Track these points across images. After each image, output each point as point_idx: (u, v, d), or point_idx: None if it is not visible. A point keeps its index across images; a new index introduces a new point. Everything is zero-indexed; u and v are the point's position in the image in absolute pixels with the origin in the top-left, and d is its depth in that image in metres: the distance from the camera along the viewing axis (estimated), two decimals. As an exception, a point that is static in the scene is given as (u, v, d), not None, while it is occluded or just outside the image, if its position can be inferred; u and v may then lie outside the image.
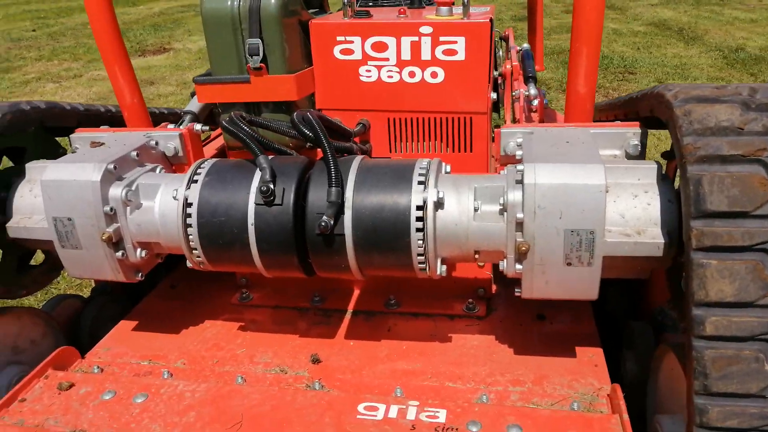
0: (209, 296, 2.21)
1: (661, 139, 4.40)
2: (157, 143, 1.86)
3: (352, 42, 1.86)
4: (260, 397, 1.60)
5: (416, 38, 1.82)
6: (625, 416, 1.44)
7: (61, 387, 1.66)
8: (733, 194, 1.20)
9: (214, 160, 1.70)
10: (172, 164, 1.93)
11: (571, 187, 1.37)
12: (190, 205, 1.59)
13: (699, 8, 10.09)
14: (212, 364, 1.85)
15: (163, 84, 6.88)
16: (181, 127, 1.97)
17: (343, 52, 1.88)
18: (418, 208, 1.49)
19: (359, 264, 1.57)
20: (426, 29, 1.80)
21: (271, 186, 1.53)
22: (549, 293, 1.50)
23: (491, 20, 1.80)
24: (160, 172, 1.78)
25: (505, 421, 1.47)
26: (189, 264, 1.70)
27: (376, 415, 1.52)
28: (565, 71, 6.59)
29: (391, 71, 1.87)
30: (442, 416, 1.50)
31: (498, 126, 1.88)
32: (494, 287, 2.11)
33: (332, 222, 1.50)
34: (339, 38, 1.87)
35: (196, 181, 1.61)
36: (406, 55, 1.84)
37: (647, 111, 1.55)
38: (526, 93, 2.15)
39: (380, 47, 1.85)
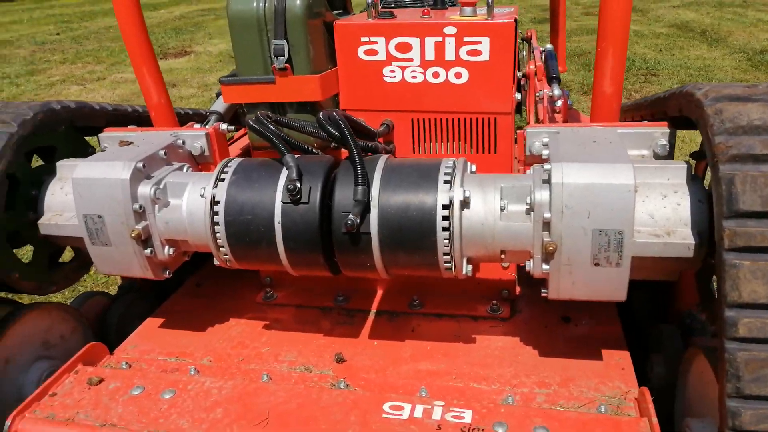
0: (234, 295, 2.23)
1: (684, 141, 4.35)
2: (183, 142, 1.88)
3: (376, 43, 1.87)
4: (286, 395, 1.61)
5: (440, 39, 1.82)
6: (654, 420, 1.42)
7: (90, 382, 1.69)
8: (766, 194, 1.18)
9: (241, 158, 1.72)
10: (198, 163, 1.95)
11: (599, 187, 1.36)
12: (217, 203, 1.61)
13: (722, 10, 9.97)
14: (238, 361, 1.86)
15: (184, 86, 6.95)
16: (207, 126, 1.99)
17: (367, 52, 1.89)
18: (444, 207, 1.49)
19: (385, 263, 1.58)
20: (450, 30, 1.80)
21: (298, 184, 1.55)
22: (576, 294, 1.49)
23: (516, 20, 1.80)
24: (187, 170, 1.80)
25: (531, 422, 1.46)
26: (216, 262, 1.72)
27: (401, 415, 1.52)
28: (585, 73, 6.56)
29: (415, 72, 1.87)
30: (467, 417, 1.50)
31: (520, 128, 1.87)
32: (518, 289, 2.10)
33: (358, 220, 1.50)
34: (363, 39, 1.87)
35: (223, 180, 1.63)
36: (430, 55, 1.84)
37: (676, 110, 1.54)
38: (550, 94, 2.14)
39: (404, 48, 1.85)
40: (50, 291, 1.96)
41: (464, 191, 1.49)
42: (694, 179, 1.48)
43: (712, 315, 1.58)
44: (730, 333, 1.18)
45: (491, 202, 1.51)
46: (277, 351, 1.90)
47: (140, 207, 1.64)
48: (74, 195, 1.65)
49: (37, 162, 1.93)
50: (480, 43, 1.79)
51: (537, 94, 2.12)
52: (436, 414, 1.52)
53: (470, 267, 1.57)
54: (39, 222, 1.81)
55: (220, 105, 2.21)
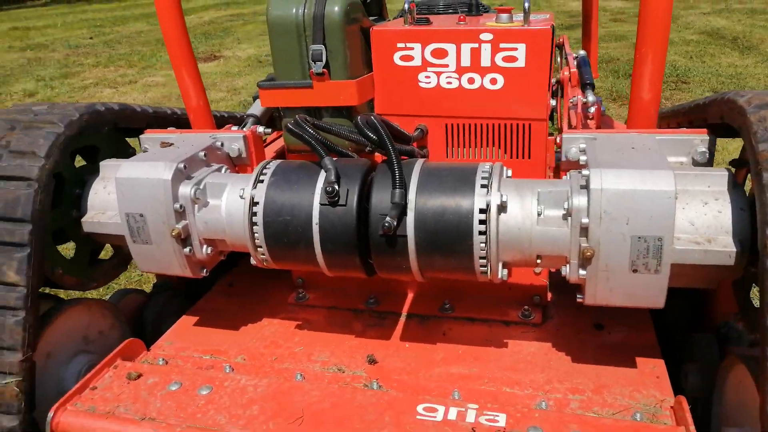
0: (266, 295, 2.26)
1: (718, 150, 4.29)
2: (222, 144, 1.92)
3: (412, 48, 1.89)
4: (320, 394, 1.63)
5: (476, 45, 1.83)
6: (692, 428, 1.41)
7: (130, 377, 1.73)
8: (811, 202, 1.17)
9: (279, 161, 1.75)
10: (235, 165, 1.99)
11: (639, 193, 1.35)
12: (256, 204, 1.64)
13: (753, 17, 9.81)
14: (271, 360, 1.89)
15: (214, 90, 7.06)
16: (244, 129, 2.03)
17: (403, 58, 1.91)
18: (482, 211, 1.50)
19: (420, 266, 1.59)
20: (486, 36, 1.81)
21: (336, 187, 1.57)
22: (613, 300, 1.48)
23: (552, 27, 1.80)
24: (225, 171, 1.84)
25: (566, 428, 1.46)
26: (253, 261, 1.75)
27: (435, 417, 1.53)
28: (614, 80, 6.51)
29: (451, 77, 1.89)
30: (501, 420, 1.50)
31: (550, 134, 1.87)
32: (549, 295, 2.09)
33: (395, 223, 1.52)
34: (399, 45, 1.89)
35: (262, 181, 1.66)
36: (465, 61, 1.86)
37: (717, 117, 1.53)
38: (584, 100, 2.14)
39: (440, 54, 1.87)
40: (90, 287, 2.01)
41: (501, 195, 1.50)
42: (735, 187, 1.47)
43: (750, 324, 1.56)
44: (773, 342, 1.17)
45: (528, 207, 1.52)
46: (310, 351, 1.93)
47: (181, 207, 1.67)
48: (117, 194, 1.70)
49: (79, 162, 1.98)
50: (516, 49, 1.80)
51: (571, 100, 2.12)
52: (470, 417, 1.52)
53: (506, 271, 1.57)
54: (82, 220, 1.86)
55: (256, 108, 2.25)
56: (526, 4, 1.79)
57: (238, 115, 2.61)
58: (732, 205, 1.44)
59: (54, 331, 1.79)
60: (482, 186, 1.52)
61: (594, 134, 1.68)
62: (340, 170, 1.62)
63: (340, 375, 1.81)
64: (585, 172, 1.44)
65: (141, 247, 1.74)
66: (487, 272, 1.56)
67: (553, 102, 1.98)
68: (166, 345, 1.99)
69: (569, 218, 1.46)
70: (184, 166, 1.69)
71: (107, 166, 1.91)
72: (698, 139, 1.62)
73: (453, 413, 1.54)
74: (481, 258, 1.52)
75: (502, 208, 1.51)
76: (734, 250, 1.38)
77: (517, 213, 1.52)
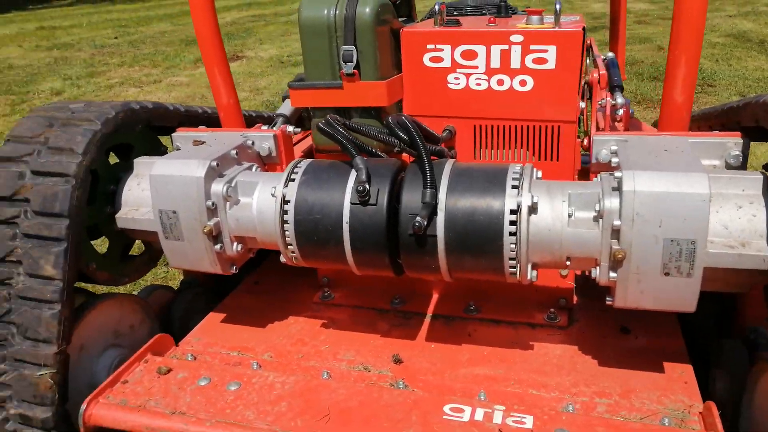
0: (292, 293, 2.28)
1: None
2: (253, 143, 1.94)
3: (441, 50, 1.90)
4: (347, 393, 1.64)
5: (506, 47, 1.83)
6: (722, 433, 1.40)
7: (160, 371, 1.75)
8: None
9: (310, 160, 1.76)
10: (265, 163, 2.01)
11: (673, 196, 1.35)
12: (287, 202, 1.66)
13: (782, 20, 9.65)
14: (298, 358, 1.90)
15: (237, 90, 7.11)
16: (274, 128, 2.05)
17: (433, 59, 1.91)
18: (512, 212, 1.50)
19: (449, 265, 1.59)
20: (517, 38, 1.82)
21: (367, 186, 1.58)
22: (643, 303, 1.48)
23: (584, 29, 1.80)
24: (256, 170, 1.86)
25: (594, 431, 1.46)
26: (282, 259, 1.77)
27: (462, 417, 1.54)
28: (638, 82, 6.45)
29: (480, 79, 1.89)
30: (528, 422, 1.50)
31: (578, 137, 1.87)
32: (575, 298, 2.09)
33: (425, 223, 1.52)
34: (429, 46, 1.90)
35: (293, 180, 1.68)
36: (495, 63, 1.86)
37: (751, 120, 1.52)
38: (613, 102, 2.13)
39: (470, 55, 1.87)
40: (122, 282, 2.05)
41: (532, 197, 1.50)
42: (769, 191, 1.46)
43: (784, 330, 1.55)
44: (809, 348, 1.16)
45: (559, 209, 1.51)
46: (336, 349, 1.94)
47: (213, 204, 1.70)
48: (151, 191, 1.72)
49: (112, 159, 2.02)
50: (546, 51, 1.80)
51: (599, 102, 2.11)
52: (497, 418, 1.53)
53: (535, 273, 1.58)
54: (116, 216, 1.89)
55: (286, 108, 2.28)
56: (557, 6, 1.79)
57: (266, 115, 2.64)
58: (767, 209, 1.42)
59: (87, 325, 1.82)
60: (513, 187, 1.53)
61: (626, 136, 1.67)
62: (371, 170, 1.63)
63: (366, 374, 1.82)
64: (617, 174, 1.44)
65: (173, 244, 1.77)
66: (516, 273, 1.56)
67: (582, 104, 1.98)
68: (194, 341, 2.02)
69: (600, 220, 1.45)
70: (217, 164, 1.72)
71: (141, 163, 1.95)
72: (732, 142, 1.60)
73: (480, 414, 1.54)
74: (510, 259, 1.53)
75: (532, 209, 1.51)
76: (769, 254, 1.37)
77: (547, 214, 1.52)
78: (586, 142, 1.93)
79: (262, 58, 9.21)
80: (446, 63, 1.90)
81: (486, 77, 1.88)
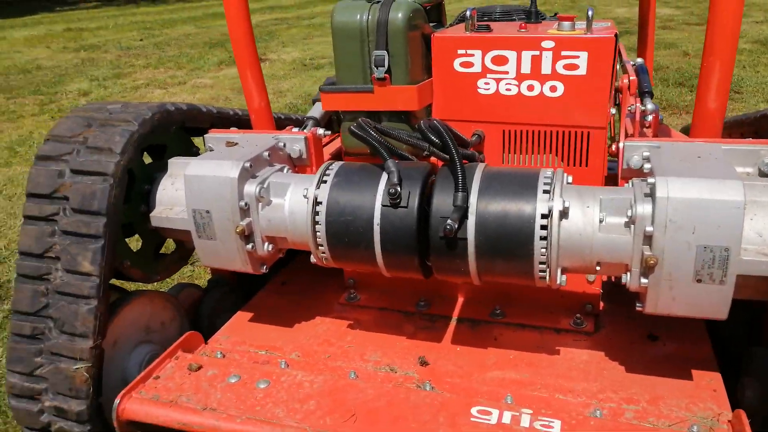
0: (318, 294, 2.31)
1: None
2: (284, 145, 1.97)
3: (472, 55, 1.91)
4: (375, 393, 1.66)
5: (537, 52, 1.84)
6: (753, 442, 1.39)
7: (191, 368, 1.79)
8: None
9: (342, 162, 1.79)
10: (295, 165, 2.03)
11: (707, 203, 1.35)
12: (319, 203, 1.68)
13: (811, 26, 9.50)
14: (325, 358, 1.93)
15: (259, 93, 7.16)
16: (305, 131, 2.08)
17: (463, 64, 1.93)
18: (543, 216, 1.51)
19: (479, 269, 1.61)
20: (548, 43, 1.82)
21: (398, 189, 1.60)
22: (674, 310, 1.47)
23: (616, 35, 1.80)
24: (287, 172, 1.89)
25: (623, 436, 1.46)
26: (313, 259, 1.79)
27: (489, 420, 1.54)
28: (663, 88, 6.39)
29: (510, 84, 1.90)
30: (556, 427, 1.51)
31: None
32: (602, 304, 2.08)
33: (456, 226, 1.54)
34: (460, 51, 1.92)
35: (325, 182, 1.70)
36: (526, 68, 1.87)
37: (786, 129, 1.51)
38: (642, 108, 2.12)
39: (500, 61, 1.88)
40: (154, 280, 2.09)
41: (563, 201, 1.51)
42: (804, 199, 1.45)
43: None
44: None
45: (590, 214, 1.52)
46: (362, 350, 1.96)
47: (245, 204, 1.73)
48: (185, 190, 1.76)
49: (146, 159, 2.06)
50: (578, 57, 1.80)
51: (629, 108, 2.10)
52: (525, 422, 1.53)
53: (565, 277, 1.58)
54: (151, 215, 1.93)
55: (316, 111, 2.31)
56: (590, 12, 1.79)
57: (294, 117, 2.67)
58: (802, 217, 1.41)
59: (120, 321, 1.86)
60: (544, 191, 1.53)
61: (658, 142, 1.67)
62: (402, 173, 1.65)
63: (392, 375, 1.84)
64: (650, 180, 1.44)
65: (205, 243, 1.80)
66: (546, 278, 1.56)
67: (612, 110, 1.98)
68: (222, 339, 2.05)
69: (632, 226, 1.46)
70: (250, 165, 1.75)
71: (175, 163, 1.98)
72: (765, 150, 1.59)
73: (507, 417, 1.55)
74: (540, 263, 1.53)
75: (564, 214, 1.51)
76: (804, 263, 1.36)
77: (578, 219, 1.52)
78: (614, 147, 1.94)
79: (284, 60, 9.29)
80: (476, 68, 1.92)
81: (516, 82, 1.89)
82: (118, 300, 1.89)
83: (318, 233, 1.70)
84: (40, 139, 5.87)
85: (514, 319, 2.06)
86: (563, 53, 1.81)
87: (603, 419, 1.57)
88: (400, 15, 1.85)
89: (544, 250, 1.51)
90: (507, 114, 1.93)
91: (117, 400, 1.65)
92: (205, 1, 19.12)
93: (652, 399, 1.66)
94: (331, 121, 2.49)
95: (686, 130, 2.93)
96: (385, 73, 1.87)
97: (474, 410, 1.57)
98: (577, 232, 1.52)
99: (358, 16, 1.88)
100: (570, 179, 1.64)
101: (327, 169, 1.74)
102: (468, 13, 1.95)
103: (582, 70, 1.81)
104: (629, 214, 1.46)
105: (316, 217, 1.69)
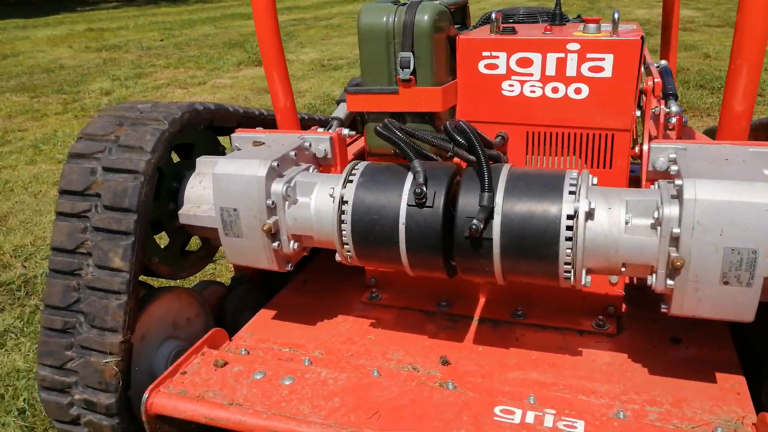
0: (340, 293, 2.33)
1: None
2: (310, 145, 2.00)
3: (497, 57, 1.92)
4: (398, 391, 1.68)
5: (562, 54, 1.85)
6: (779, 445, 1.39)
7: (217, 364, 1.82)
8: None
9: (367, 162, 1.81)
10: (320, 165, 2.06)
11: (735, 205, 1.35)
12: (345, 202, 1.70)
13: (835, 28, 9.35)
14: (348, 356, 1.95)
15: (278, 93, 7.21)
16: (330, 131, 2.10)
17: (488, 66, 1.94)
18: (569, 217, 1.51)
19: (504, 269, 1.62)
20: (573, 46, 1.83)
21: (424, 188, 1.62)
22: (700, 312, 1.47)
23: (642, 38, 1.80)
24: (313, 171, 1.92)
25: (647, 438, 1.46)
26: (337, 258, 1.81)
27: (513, 419, 1.55)
28: (684, 90, 6.34)
29: (534, 86, 1.91)
30: (580, 427, 1.51)
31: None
32: (624, 306, 2.08)
33: (482, 226, 1.55)
34: (485, 53, 1.93)
35: (351, 181, 1.72)
36: (550, 70, 1.88)
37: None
38: (667, 110, 2.12)
39: (525, 63, 1.89)
40: (180, 276, 2.12)
41: (589, 203, 1.52)
42: (833, 203, 1.44)
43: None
44: None
45: (616, 215, 1.53)
46: (385, 349, 1.98)
47: (272, 203, 1.75)
48: (213, 189, 1.79)
49: (173, 157, 2.09)
50: (603, 59, 1.81)
51: (653, 110, 2.10)
52: (548, 421, 1.54)
53: (589, 278, 1.59)
54: (179, 212, 1.96)
55: (341, 111, 2.33)
56: (616, 15, 1.80)
57: (317, 117, 2.70)
58: (831, 221, 1.40)
59: (149, 316, 1.90)
60: (570, 192, 1.54)
61: (684, 144, 1.67)
62: (428, 173, 1.66)
63: (414, 373, 1.85)
64: (678, 182, 1.44)
65: (232, 240, 1.83)
66: (570, 278, 1.57)
67: (638, 112, 1.98)
68: (246, 336, 2.08)
69: (659, 227, 1.46)
70: (277, 165, 1.77)
71: (203, 162, 2.02)
72: (793, 153, 1.59)
73: (530, 417, 1.56)
74: (566, 264, 1.54)
75: (589, 215, 1.52)
76: (832, 266, 1.36)
77: (604, 220, 1.53)
78: (636, 150, 1.94)
79: (303, 61, 9.34)
80: (501, 70, 1.93)
81: (541, 84, 1.90)
82: (147, 296, 1.93)
83: (343, 232, 1.72)
84: (64, 138, 5.97)
85: (535, 321, 2.07)
86: (588, 55, 1.82)
87: (626, 420, 1.57)
88: (426, 17, 1.87)
89: (569, 250, 1.52)
90: (531, 116, 1.94)
91: (146, 395, 1.69)
92: (224, 2, 19.30)
93: (675, 401, 1.66)
94: (355, 121, 2.51)
95: (708, 133, 2.91)
96: (411, 74, 1.89)
97: (497, 409, 1.59)
98: (602, 234, 1.52)
99: (385, 18, 1.90)
100: (595, 180, 1.65)
101: (353, 168, 1.76)
102: (493, 15, 1.96)
103: (607, 73, 1.82)
104: (656, 215, 1.47)
105: (342, 216, 1.71)
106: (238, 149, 2.02)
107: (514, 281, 1.69)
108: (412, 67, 1.89)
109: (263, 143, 1.96)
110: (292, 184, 1.79)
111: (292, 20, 13.97)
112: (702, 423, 1.58)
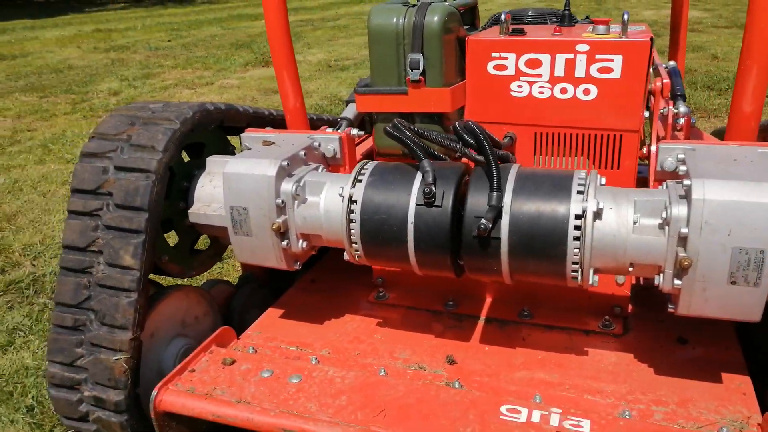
0: (347, 292, 2.34)
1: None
2: (319, 145, 2.01)
3: (506, 58, 1.93)
4: (405, 389, 1.69)
5: (571, 56, 1.85)
6: (785, 446, 1.39)
7: (225, 362, 1.83)
8: None
9: (376, 162, 1.82)
10: (329, 165, 2.07)
11: (743, 205, 1.35)
12: (354, 202, 1.72)
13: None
14: (355, 355, 1.96)
15: (285, 94, 7.23)
16: (339, 131, 2.12)
17: (497, 67, 1.95)
18: (577, 217, 1.52)
19: (511, 268, 1.62)
20: (582, 47, 1.84)
21: (433, 188, 1.63)
22: (707, 311, 1.48)
23: (651, 39, 1.81)
24: (322, 171, 1.93)
25: (653, 437, 1.47)
26: (346, 257, 1.82)
27: (519, 418, 1.56)
28: (692, 91, 6.32)
29: (543, 87, 1.92)
30: (586, 426, 1.52)
31: None
32: (630, 307, 2.09)
33: (491, 225, 1.56)
34: (494, 54, 1.94)
35: (360, 181, 1.74)
36: (559, 71, 1.88)
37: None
38: (675, 111, 2.12)
39: (534, 64, 1.90)
40: (189, 275, 2.14)
41: (597, 202, 1.52)
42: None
43: None
44: None
45: (624, 215, 1.53)
46: (391, 348, 1.99)
47: (282, 202, 1.77)
48: (223, 188, 1.80)
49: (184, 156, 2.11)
50: (612, 60, 1.81)
51: (661, 110, 2.11)
52: (554, 421, 1.55)
53: (597, 278, 1.59)
54: (189, 211, 1.98)
55: (350, 112, 2.35)
56: (626, 16, 1.80)
57: (326, 117, 2.72)
58: (839, 222, 1.41)
59: (158, 314, 1.91)
60: (578, 192, 1.55)
61: (693, 145, 1.67)
62: (437, 172, 1.67)
63: (421, 372, 1.86)
64: (686, 182, 1.45)
65: (241, 239, 1.85)
66: (578, 278, 1.58)
67: (646, 113, 1.98)
68: (254, 335, 2.10)
69: (666, 227, 1.46)
70: (287, 164, 1.79)
71: (213, 161, 2.03)
72: (802, 154, 1.59)
73: (536, 416, 1.57)
74: (573, 263, 1.55)
75: (597, 215, 1.53)
76: (840, 267, 1.36)
77: (612, 220, 1.53)
78: (644, 150, 1.94)
79: (310, 62, 9.37)
80: (510, 71, 1.93)
81: (549, 85, 1.91)
82: (156, 294, 1.94)
83: (352, 231, 1.73)
84: (73, 138, 6.01)
85: (542, 321, 2.07)
86: (598, 56, 1.83)
87: (632, 420, 1.58)
88: (436, 18, 1.88)
89: (577, 250, 1.53)
90: (539, 116, 1.95)
91: (155, 392, 1.70)
92: (231, 3, 19.36)
93: (681, 401, 1.66)
94: (364, 121, 2.52)
95: (716, 134, 2.91)
96: (420, 75, 1.90)
97: (503, 408, 1.59)
98: (610, 233, 1.53)
99: (395, 19, 1.91)
100: (603, 180, 1.65)
101: (362, 168, 1.78)
102: (503, 16, 1.97)
103: (616, 74, 1.82)
104: (664, 215, 1.47)
105: (351, 215, 1.72)
106: (248, 149, 2.03)
107: (522, 281, 1.69)
108: (421, 68, 1.90)
109: (273, 143, 1.97)
110: (301, 184, 1.80)
111: (299, 21, 14.00)
112: (707, 423, 1.58)
